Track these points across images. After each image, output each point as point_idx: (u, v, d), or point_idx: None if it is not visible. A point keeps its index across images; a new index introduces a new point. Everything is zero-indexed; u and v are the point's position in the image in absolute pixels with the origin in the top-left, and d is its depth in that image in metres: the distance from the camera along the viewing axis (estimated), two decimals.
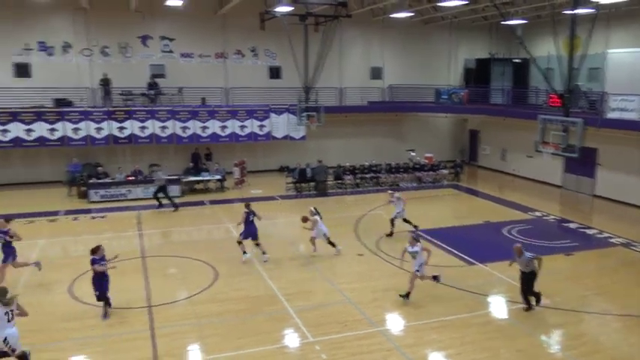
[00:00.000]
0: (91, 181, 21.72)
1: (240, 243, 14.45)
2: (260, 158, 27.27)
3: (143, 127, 24.22)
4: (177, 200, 21.35)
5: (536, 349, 10.04)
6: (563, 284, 13.01)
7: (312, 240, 14.87)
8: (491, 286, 12.90)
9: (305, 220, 14.90)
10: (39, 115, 22.87)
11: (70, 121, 23.22)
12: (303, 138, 26.80)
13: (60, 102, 23.55)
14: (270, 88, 27.13)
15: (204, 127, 25.21)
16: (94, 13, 24.23)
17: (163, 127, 24.53)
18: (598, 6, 18.95)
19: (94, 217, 19.38)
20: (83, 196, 21.74)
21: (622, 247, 16.04)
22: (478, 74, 30.49)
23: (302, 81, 24.50)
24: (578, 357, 9.72)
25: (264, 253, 14.55)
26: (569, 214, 20.30)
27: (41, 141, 22.96)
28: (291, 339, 10.40)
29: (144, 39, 25.60)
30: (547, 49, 22.20)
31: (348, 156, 26.61)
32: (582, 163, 20.83)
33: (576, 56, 17.11)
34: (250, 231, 14.46)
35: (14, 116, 22.52)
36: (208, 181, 23.82)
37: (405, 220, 17.08)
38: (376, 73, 29.91)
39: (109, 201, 21.29)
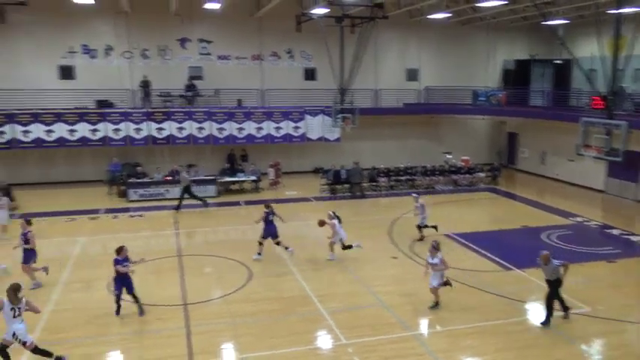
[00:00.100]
0: (130, 180, 22.25)
1: (260, 244, 14.68)
2: (295, 159, 27.39)
3: (181, 128, 24.67)
4: (213, 200, 21.67)
5: (575, 359, 9.75)
6: (604, 292, 12.60)
7: (332, 245, 14.69)
8: (528, 293, 12.60)
9: (322, 223, 14.70)
10: (82, 116, 23.58)
11: (110, 121, 23.86)
12: (337, 140, 26.79)
13: (101, 103, 24.24)
14: (305, 89, 27.24)
15: (240, 129, 25.51)
16: (135, 17, 24.85)
17: (200, 128, 24.94)
18: None
19: (132, 216, 19.82)
20: (123, 195, 22.27)
21: None
22: (517, 76, 29.89)
23: (337, 83, 24.51)
24: None
25: (286, 248, 14.69)
26: (612, 219, 19.64)
27: (83, 141, 23.66)
28: (324, 340, 10.39)
29: (182, 41, 26.10)
30: (590, 50, 21.59)
31: (383, 158, 26.47)
32: (626, 167, 20.11)
33: (621, 57, 16.55)
34: (270, 231, 14.65)
35: (58, 117, 23.29)
36: (244, 181, 24.06)
37: (426, 225, 16.81)
38: (412, 75, 29.67)
39: (147, 200, 21.75)
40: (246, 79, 26.73)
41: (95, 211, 20.15)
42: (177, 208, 20.32)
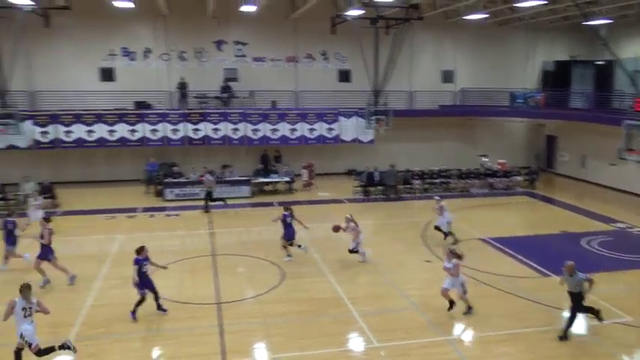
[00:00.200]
0: (166, 180, 22.67)
1: (285, 247, 14.88)
2: (328, 161, 27.40)
3: (216, 129, 25.01)
4: (246, 201, 21.90)
5: None
6: None
7: (357, 248, 14.54)
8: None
9: (337, 229, 14.51)
10: (121, 117, 24.18)
11: (148, 122, 24.39)
12: (371, 141, 26.69)
13: (140, 104, 24.80)
14: (339, 91, 27.24)
15: (274, 130, 25.69)
16: (173, 20, 25.35)
17: (235, 129, 25.23)
18: None
19: (168, 215, 20.19)
20: (159, 194, 22.72)
21: None
22: (557, 77, 29.15)
23: (371, 84, 24.42)
24: None
25: (299, 246, 14.85)
26: None
27: (122, 141, 24.26)
28: (356, 343, 10.35)
29: (219, 44, 26.48)
30: (635, 51, 20.90)
31: (417, 160, 26.23)
32: None
33: None
34: (288, 233, 14.79)
35: (99, 118, 23.95)
36: (277, 182, 24.21)
37: (436, 228, 16.54)
38: (448, 77, 29.31)
39: (182, 199, 22.12)
40: (280, 81, 26.92)
41: (133, 210, 20.61)
42: (207, 208, 20.63)
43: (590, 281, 10.20)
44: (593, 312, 10.54)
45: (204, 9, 24.16)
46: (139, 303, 11.06)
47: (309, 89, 27.04)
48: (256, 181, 23.84)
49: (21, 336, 8.73)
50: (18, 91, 22.80)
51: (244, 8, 22.38)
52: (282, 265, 14.31)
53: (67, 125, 23.63)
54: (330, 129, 26.32)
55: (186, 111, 24.81)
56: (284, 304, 12.01)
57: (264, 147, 25.85)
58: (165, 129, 24.55)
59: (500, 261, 15.03)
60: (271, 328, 10.83)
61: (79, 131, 23.74)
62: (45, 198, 21.03)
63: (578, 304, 10.32)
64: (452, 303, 11.37)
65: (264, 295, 12.47)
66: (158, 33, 25.59)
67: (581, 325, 10.91)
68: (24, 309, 8.74)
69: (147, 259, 11.31)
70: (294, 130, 25.92)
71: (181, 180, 22.75)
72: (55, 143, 23.64)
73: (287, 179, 24.05)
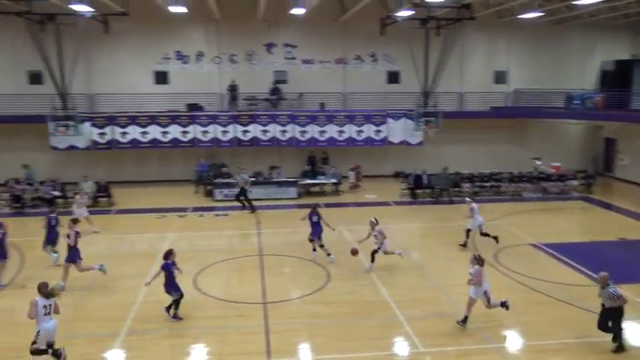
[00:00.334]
0: (216, 180, 23.14)
1: (321, 246, 14.86)
2: (376, 163, 27.24)
3: (265, 131, 25.35)
4: (293, 202, 22.05)
5: None
6: None
7: (388, 253, 14.21)
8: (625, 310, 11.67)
9: (355, 252, 13.99)
10: (173, 119, 24.90)
11: (200, 124, 24.99)
12: (420, 144, 26.36)
13: (192, 106, 25.45)
14: (388, 93, 27.06)
15: (322, 132, 25.79)
16: (225, 24, 25.89)
17: (283, 131, 25.49)
18: None
19: (217, 215, 20.59)
20: (209, 194, 23.22)
21: None
22: (617, 77, 27.91)
23: (421, 86, 24.13)
24: None
25: (321, 247, 14.86)
26: None
27: (174, 142, 24.97)
28: (401, 347, 10.23)
29: (269, 46, 26.85)
30: None
31: (467, 163, 25.68)
32: None
33: None
34: (314, 231, 14.86)
35: (153, 119, 24.74)
36: (324, 184, 24.27)
37: (468, 232, 16.05)
38: (500, 77, 28.59)
39: (231, 200, 22.48)
40: (329, 83, 27.02)
41: (183, 209, 21.14)
42: (244, 207, 20.94)
43: (622, 300, 9.63)
44: (609, 332, 9.91)
45: (254, 13, 24.55)
46: (176, 304, 11.15)
47: (357, 91, 27.01)
48: (303, 182, 23.99)
49: (38, 332, 8.86)
50: (78, 94, 23.87)
51: (294, 11, 22.58)
52: (328, 267, 14.32)
53: (123, 127, 24.53)
54: (378, 131, 26.16)
55: (236, 113, 25.27)
56: (329, 305, 12.02)
57: (312, 149, 25.99)
58: (215, 130, 25.09)
59: (552, 267, 14.51)
60: (316, 329, 10.85)
61: (134, 132, 24.60)
62: (101, 197, 21.98)
63: (603, 318, 9.85)
64: (466, 318, 10.82)
65: (310, 296, 12.51)
66: (210, 37, 26.22)
67: (639, 337, 10.37)
68: (44, 307, 8.91)
69: (174, 262, 11.24)
70: (341, 131, 25.93)
71: (230, 181, 23.15)
72: (112, 144, 24.60)
73: (334, 181, 24.08)
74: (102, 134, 24.44)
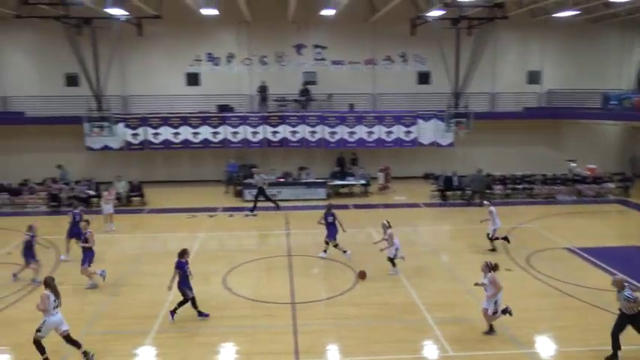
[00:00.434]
0: (245, 181, 23.32)
1: (335, 246, 14.98)
2: (405, 164, 27.03)
3: (294, 132, 25.43)
4: (322, 203, 21.97)
5: None
6: None
7: (390, 259, 13.95)
8: None
9: (363, 276, 13.60)
10: (204, 120, 25.21)
11: (230, 125, 25.24)
12: (450, 145, 26.05)
13: (222, 108, 25.73)
14: (418, 93, 26.83)
15: (352, 133, 25.71)
16: (255, 25, 26.10)
17: (313, 132, 25.52)
18: None
19: (247, 215, 20.73)
20: (238, 194, 23.42)
21: None
22: None
23: (452, 86, 23.85)
24: None
25: (339, 247, 14.99)
26: None
27: (205, 143, 25.28)
28: (430, 351, 10.12)
29: (298, 48, 26.95)
30: None
31: (498, 165, 25.25)
32: None
33: None
34: (330, 232, 15.00)
35: (184, 120, 25.10)
36: (353, 185, 24.22)
37: (495, 237, 15.74)
38: (534, 77, 28.02)
39: (261, 200, 22.61)
40: (358, 84, 26.95)
41: (213, 209, 21.37)
42: (252, 209, 20.80)
43: (635, 302, 9.20)
44: (617, 344, 9.46)
45: (285, 14, 24.67)
46: (193, 302, 11.21)
47: (387, 92, 26.87)
48: (332, 183, 23.98)
49: (43, 322, 9.18)
50: (112, 96, 24.40)
51: (324, 12, 22.61)
52: (357, 268, 14.24)
53: (155, 128, 24.96)
54: (408, 132, 25.95)
55: (265, 114, 25.44)
56: (357, 307, 11.98)
57: (341, 150, 25.96)
58: (245, 131, 25.29)
59: (586, 272, 14.15)
60: (344, 331, 10.82)
61: (166, 133, 25.00)
62: (134, 196, 22.42)
63: (619, 324, 9.39)
64: (491, 328, 10.59)
65: (338, 298, 12.49)
66: (241, 38, 26.48)
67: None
68: (55, 300, 9.27)
69: (187, 262, 11.28)
70: (371, 132, 25.81)
71: (272, 180, 23.15)
72: (144, 144, 25.06)
73: (363, 182, 24.00)
74: (135, 135, 24.92)
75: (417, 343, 10.36)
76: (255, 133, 25.36)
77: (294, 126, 25.41)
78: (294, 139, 25.50)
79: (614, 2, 22.29)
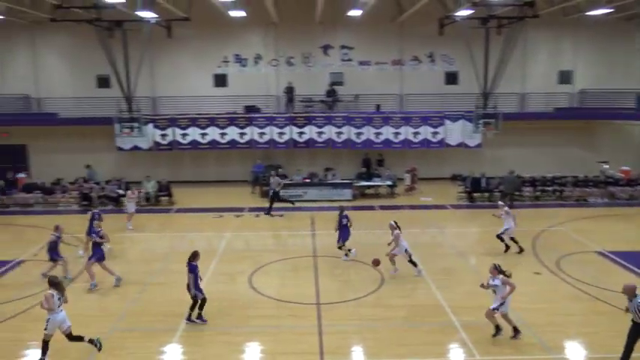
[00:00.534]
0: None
1: (340, 247, 15.10)
2: (432, 165, 26.77)
3: (320, 133, 25.45)
4: (348, 204, 21.94)
5: None
6: None
7: (392, 258, 13.79)
8: None
9: (377, 263, 13.64)
10: (232, 121, 25.44)
11: (257, 125, 25.41)
12: (478, 146, 25.72)
13: (249, 109, 25.92)
14: (445, 94, 26.56)
15: (378, 133, 25.60)
16: (282, 27, 26.23)
17: (339, 133, 25.50)
18: None
19: (272, 215, 20.80)
20: (265, 195, 23.49)
21: None
22: None
23: (480, 86, 23.54)
24: None
25: (349, 250, 15.14)
26: None
27: (232, 143, 25.51)
28: (456, 354, 9.99)
29: (325, 48, 26.97)
30: None
31: (528, 166, 24.77)
32: None
33: None
34: (342, 234, 15.01)
35: (212, 121, 25.38)
36: (379, 186, 24.11)
37: (512, 239, 15.38)
38: (565, 77, 27.44)
39: (287, 201, 22.73)
40: (385, 84, 26.82)
41: (240, 210, 21.53)
42: (268, 211, 20.76)
43: None
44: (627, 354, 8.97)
45: (312, 15, 24.72)
46: (202, 305, 11.15)
47: (414, 92, 26.67)
48: (358, 184, 23.91)
49: (48, 321, 9.35)
50: (142, 97, 24.85)
51: (351, 13, 22.58)
52: (382, 270, 14.17)
53: (184, 128, 25.30)
54: (435, 133, 25.70)
55: (292, 115, 25.53)
56: (382, 308, 11.92)
57: (367, 150, 25.86)
58: (272, 132, 25.43)
59: (618, 276, 13.72)
60: (368, 332, 10.77)
61: (193, 134, 25.32)
62: (162, 196, 22.76)
63: (632, 336, 8.90)
64: (498, 328, 10.32)
65: (363, 299, 12.45)
66: (268, 40, 26.64)
67: None
68: (59, 299, 9.44)
69: (197, 265, 11.18)
70: (397, 133, 25.66)
71: (286, 181, 23.33)
72: (173, 145, 25.42)
73: (389, 183, 23.86)
74: (164, 135, 25.30)
75: (443, 345, 10.25)
76: (281, 133, 25.48)
77: (320, 127, 25.44)
78: (320, 139, 25.53)
79: None
